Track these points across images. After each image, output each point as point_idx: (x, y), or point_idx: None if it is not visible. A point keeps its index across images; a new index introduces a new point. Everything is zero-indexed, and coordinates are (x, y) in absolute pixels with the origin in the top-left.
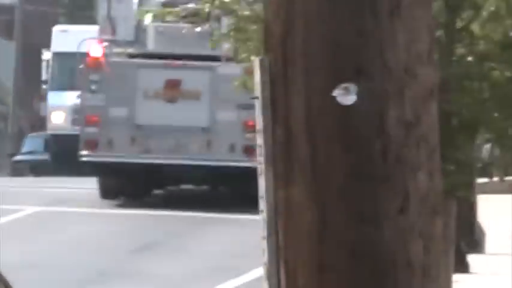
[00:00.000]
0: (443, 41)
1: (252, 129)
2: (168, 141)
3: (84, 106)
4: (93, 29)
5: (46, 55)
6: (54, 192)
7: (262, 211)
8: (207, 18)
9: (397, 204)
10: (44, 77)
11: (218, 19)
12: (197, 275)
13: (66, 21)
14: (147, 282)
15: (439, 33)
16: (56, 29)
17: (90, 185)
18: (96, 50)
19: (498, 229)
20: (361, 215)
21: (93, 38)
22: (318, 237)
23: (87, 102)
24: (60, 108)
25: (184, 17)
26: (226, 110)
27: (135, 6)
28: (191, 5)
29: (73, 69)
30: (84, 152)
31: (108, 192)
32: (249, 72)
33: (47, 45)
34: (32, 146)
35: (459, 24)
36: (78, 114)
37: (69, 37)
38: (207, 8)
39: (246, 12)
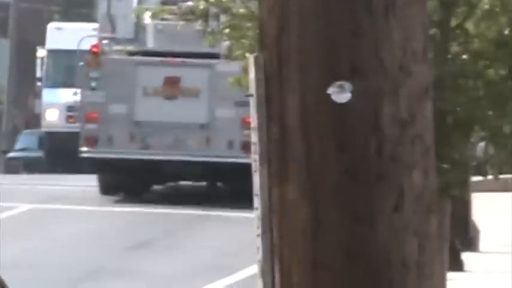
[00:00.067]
0: (438, 39)
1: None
2: (167, 137)
3: (84, 103)
4: (87, 27)
5: (40, 52)
6: (48, 190)
7: (256, 208)
8: (206, 16)
9: (391, 203)
10: (38, 74)
11: (217, 17)
12: (191, 272)
13: (60, 19)
14: (141, 280)
15: (434, 31)
16: (51, 27)
17: (84, 182)
18: (95, 48)
19: (492, 227)
20: (356, 213)
21: (93, 36)
22: (312, 235)
23: (87, 99)
24: (55, 105)
25: (182, 14)
26: (224, 107)
27: (134, 4)
28: (189, 3)
29: (68, 67)
30: (84, 149)
31: (107, 188)
32: (246, 70)
33: (42, 43)
34: (25, 143)
35: (454, 22)
36: (78, 111)
37: (63, 34)
38: (201, 5)
39: (241, 10)
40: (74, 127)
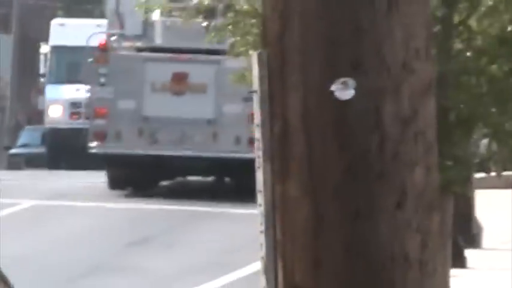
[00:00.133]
0: (441, 36)
1: None
2: (175, 133)
3: (93, 99)
4: (91, 23)
5: (44, 49)
6: (51, 186)
7: (260, 205)
8: (210, 12)
9: (394, 200)
10: (41, 70)
11: (224, 14)
12: (194, 269)
13: (63, 15)
14: (142, 277)
15: (436, 28)
16: (54, 23)
17: (87, 179)
18: (104, 44)
19: (495, 224)
20: (357, 211)
21: (102, 32)
22: (314, 233)
23: (96, 95)
24: (58, 101)
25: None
26: (232, 102)
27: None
28: (195, 0)
29: (71, 63)
30: (92, 144)
31: (116, 183)
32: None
33: (45, 39)
34: (27, 139)
35: (456, 19)
36: (86, 106)
37: (67, 31)
38: (206, 1)
39: (245, 7)
40: (77, 123)
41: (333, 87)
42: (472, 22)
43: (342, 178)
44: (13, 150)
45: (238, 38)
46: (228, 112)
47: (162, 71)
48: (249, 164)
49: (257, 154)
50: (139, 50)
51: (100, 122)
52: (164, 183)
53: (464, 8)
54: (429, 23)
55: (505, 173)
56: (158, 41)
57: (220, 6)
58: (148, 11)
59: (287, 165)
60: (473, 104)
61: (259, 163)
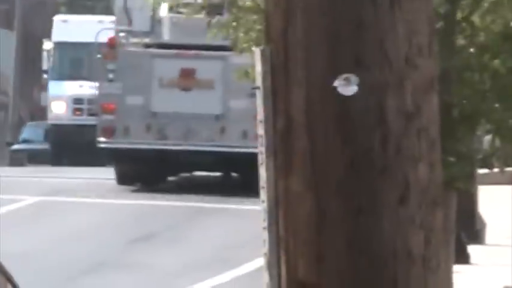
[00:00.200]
0: (444, 33)
1: None
2: (182, 128)
3: (101, 94)
4: (94, 19)
5: (47, 45)
6: (54, 182)
7: (263, 201)
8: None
9: (397, 196)
10: (44, 66)
11: (229, 10)
12: (198, 265)
13: (66, 11)
14: (147, 273)
15: (440, 24)
16: (57, 19)
17: (90, 175)
18: (112, 41)
19: (499, 220)
20: (360, 206)
21: (110, 29)
22: (316, 228)
23: (104, 90)
24: (61, 98)
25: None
26: (238, 98)
27: None
28: None
29: (74, 59)
30: (101, 139)
31: (124, 178)
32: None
33: (47, 35)
34: (29, 135)
35: (459, 15)
36: (95, 102)
37: (70, 27)
38: None
39: (248, 3)
40: (80, 120)
41: (336, 83)
42: (475, 18)
43: (344, 173)
44: (15, 146)
45: (241, 34)
46: (236, 107)
47: (170, 67)
48: (256, 159)
49: (260, 150)
50: (147, 46)
51: (108, 117)
52: (171, 178)
53: (467, 4)
54: (432, 19)
55: (508, 169)
56: (166, 37)
57: (226, 2)
58: (156, 6)
59: (290, 160)
60: (476, 100)
61: (262, 159)
